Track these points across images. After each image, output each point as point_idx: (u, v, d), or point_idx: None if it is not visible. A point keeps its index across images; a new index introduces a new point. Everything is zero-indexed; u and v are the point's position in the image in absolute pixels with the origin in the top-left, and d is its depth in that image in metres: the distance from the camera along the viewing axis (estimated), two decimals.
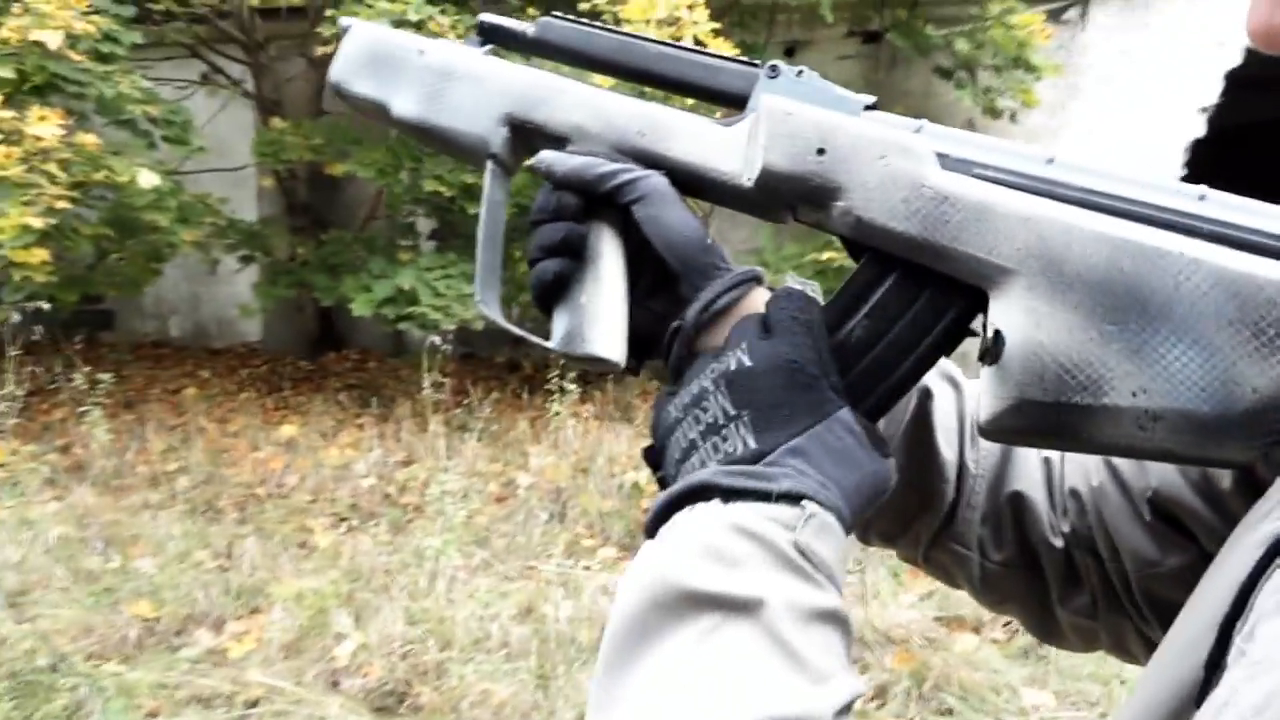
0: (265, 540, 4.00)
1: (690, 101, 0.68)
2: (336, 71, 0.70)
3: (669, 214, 0.58)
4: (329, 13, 5.30)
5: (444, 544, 3.30)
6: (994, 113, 5.90)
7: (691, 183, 0.61)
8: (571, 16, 0.68)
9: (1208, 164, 5.66)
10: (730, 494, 0.50)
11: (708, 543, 0.48)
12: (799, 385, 0.52)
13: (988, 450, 0.70)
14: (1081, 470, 0.69)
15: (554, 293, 0.60)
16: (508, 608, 3.40)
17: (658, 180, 0.59)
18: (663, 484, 0.56)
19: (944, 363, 0.64)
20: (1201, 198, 0.51)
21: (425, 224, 6.47)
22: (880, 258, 0.56)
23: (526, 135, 0.65)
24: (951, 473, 0.69)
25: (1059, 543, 0.68)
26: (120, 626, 3.22)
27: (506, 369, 6.81)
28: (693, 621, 0.46)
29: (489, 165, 0.65)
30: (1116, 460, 0.67)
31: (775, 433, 0.52)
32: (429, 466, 4.77)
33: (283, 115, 6.22)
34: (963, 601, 3.59)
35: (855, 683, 0.46)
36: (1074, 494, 0.68)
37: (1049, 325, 0.50)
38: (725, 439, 0.53)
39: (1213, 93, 5.62)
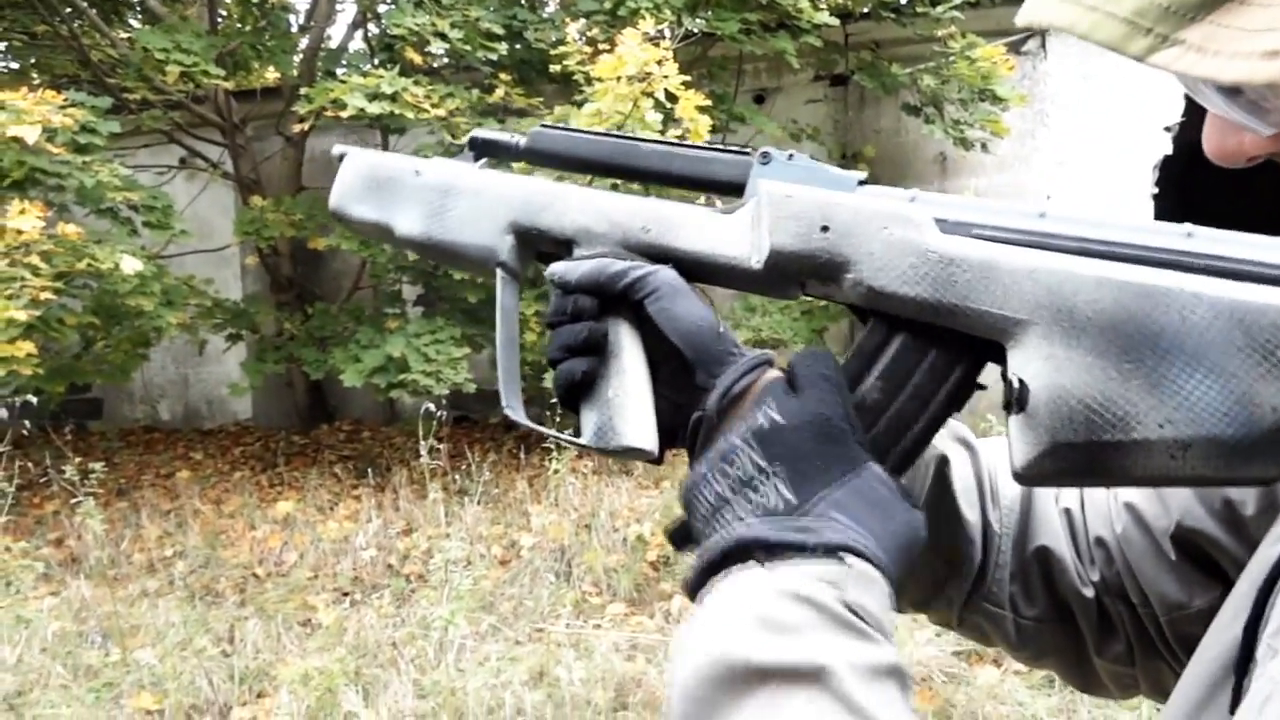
0: (267, 621, 3.92)
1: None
2: (336, 198, 0.73)
3: (681, 306, 0.60)
4: (303, 91, 5.37)
5: (450, 613, 3.25)
6: (965, 144, 6.00)
7: (700, 271, 0.63)
8: (562, 125, 0.70)
9: (1179, 179, 5.76)
10: (774, 549, 0.50)
11: (760, 613, 0.48)
12: (831, 439, 0.53)
13: (1009, 508, 0.71)
14: (1104, 518, 0.69)
15: (581, 391, 0.61)
16: (519, 673, 3.33)
17: (667, 274, 0.61)
18: (682, 538, 0.56)
19: (956, 426, 0.66)
20: (1189, 234, 0.53)
21: (411, 290, 6.49)
22: (888, 320, 0.58)
23: (532, 241, 0.67)
24: (977, 534, 0.69)
25: (1089, 593, 0.69)
26: None
27: (502, 429, 6.78)
28: (758, 694, 0.46)
29: (499, 274, 0.67)
30: (1137, 502, 0.67)
31: (811, 485, 0.52)
32: (430, 534, 4.72)
33: (262, 193, 6.27)
34: None
35: None
36: (1099, 542, 0.69)
37: (1069, 369, 0.52)
38: (758, 491, 0.53)
39: (1175, 110, 5.74)
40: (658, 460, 0.62)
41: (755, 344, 6.03)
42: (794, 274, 0.60)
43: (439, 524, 4.76)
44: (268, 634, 3.81)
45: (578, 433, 0.62)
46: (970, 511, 0.69)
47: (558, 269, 0.63)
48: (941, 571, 0.70)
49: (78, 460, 4.13)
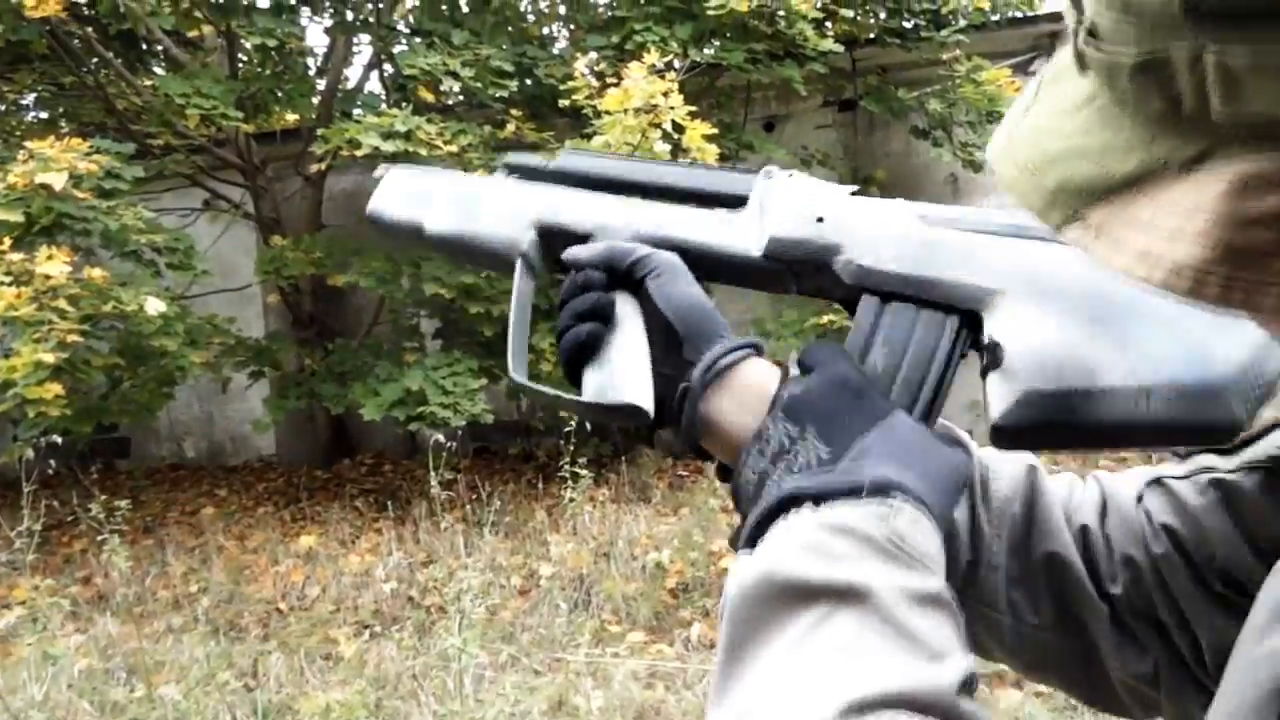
0: (290, 655, 3.96)
1: None
2: (373, 204, 0.79)
3: (679, 285, 0.65)
4: (320, 131, 5.50)
5: (465, 642, 3.26)
6: (975, 166, 6.02)
7: (704, 262, 0.68)
8: (585, 149, 0.78)
9: None
10: (820, 498, 0.52)
11: (806, 541, 0.50)
12: (854, 394, 0.57)
13: (1000, 509, 0.70)
14: (1135, 537, 0.68)
15: (585, 353, 0.65)
16: (538, 703, 3.34)
17: (670, 257, 0.67)
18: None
19: (949, 426, 0.67)
20: None
21: (429, 324, 6.57)
22: (879, 295, 0.63)
23: (552, 238, 0.72)
24: (963, 532, 0.69)
25: (1106, 607, 0.67)
26: None
27: (521, 459, 6.81)
28: (804, 612, 0.47)
29: (518, 263, 0.73)
30: (1178, 528, 0.66)
31: (844, 436, 0.55)
32: (450, 565, 4.74)
33: (283, 233, 6.39)
34: None
35: (971, 663, 0.46)
36: (1127, 561, 0.68)
37: (1041, 328, 0.58)
38: (796, 456, 0.55)
39: None
40: (651, 426, 0.65)
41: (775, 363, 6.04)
42: (790, 262, 0.65)
43: (458, 555, 4.79)
44: (290, 668, 3.84)
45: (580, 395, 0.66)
46: (958, 510, 0.69)
47: (572, 251, 0.69)
48: None
49: (104, 499, 4.20)
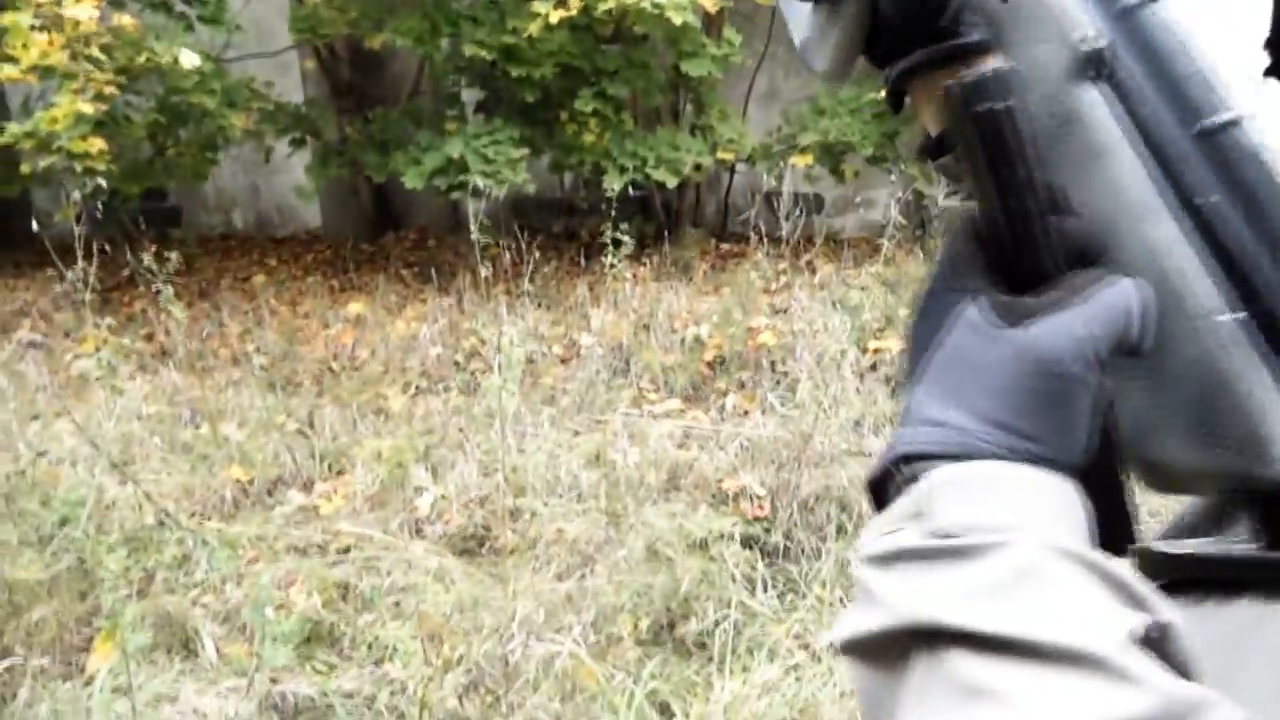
0: (343, 408, 4.17)
1: None
2: None
3: None
4: None
5: (506, 392, 3.38)
6: None
7: None
8: None
9: None
10: (875, 484, 0.43)
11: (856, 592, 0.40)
12: (933, 296, 0.44)
13: None
14: None
15: None
16: (577, 456, 3.51)
17: None
18: None
19: None
20: None
21: (470, 95, 6.38)
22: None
23: None
24: None
25: None
26: (217, 488, 3.43)
27: (564, 238, 6.81)
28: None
29: None
30: None
31: (909, 381, 0.44)
32: (493, 332, 4.87)
33: None
34: None
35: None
36: None
37: None
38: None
39: None
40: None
41: (822, 148, 5.83)
42: None
43: (502, 323, 4.90)
44: (343, 419, 4.06)
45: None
46: None
47: None
48: None
49: (153, 248, 4.27)
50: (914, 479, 0.39)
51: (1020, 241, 0.42)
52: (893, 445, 0.41)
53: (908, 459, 0.40)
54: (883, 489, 0.42)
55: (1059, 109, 0.44)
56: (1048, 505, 0.38)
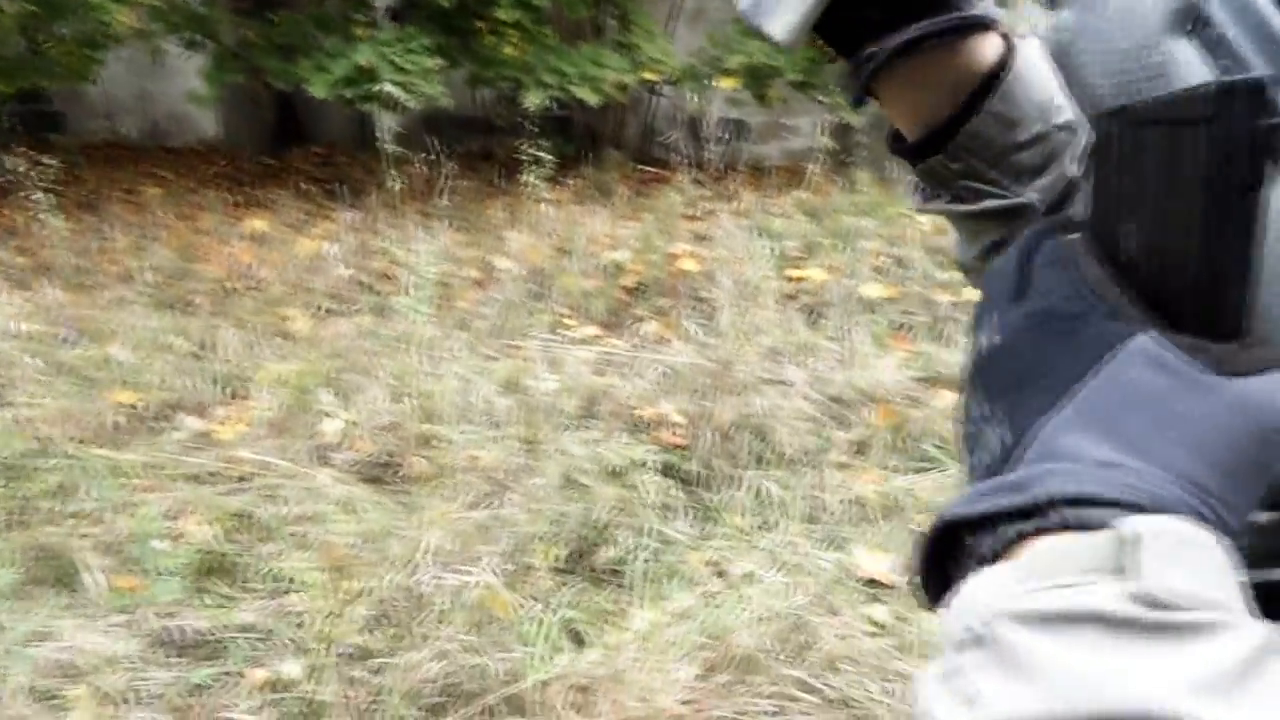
0: (242, 330, 3.94)
1: None
2: None
3: None
4: None
5: (418, 314, 3.24)
6: None
7: None
8: None
9: None
10: (977, 525, 0.36)
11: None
12: (1055, 335, 0.38)
13: None
14: None
15: None
16: (491, 382, 3.41)
17: None
18: None
19: None
20: None
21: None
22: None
23: None
24: None
25: None
26: (102, 413, 3.21)
27: (481, 158, 6.55)
28: None
29: None
30: None
31: (1025, 411, 0.37)
32: (405, 253, 4.66)
33: None
34: (943, 362, 3.62)
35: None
36: None
37: None
38: (984, 447, 0.40)
39: None
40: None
41: (748, 72, 5.70)
42: None
43: (414, 244, 4.69)
44: (243, 341, 3.84)
45: None
46: None
47: None
48: None
49: (40, 159, 3.93)
50: (1086, 525, 0.33)
51: (1220, 293, 0.37)
52: (1025, 480, 0.35)
53: (1075, 501, 0.33)
54: (968, 530, 0.36)
55: (1150, 61, 0.40)
56: (1236, 580, 0.33)
